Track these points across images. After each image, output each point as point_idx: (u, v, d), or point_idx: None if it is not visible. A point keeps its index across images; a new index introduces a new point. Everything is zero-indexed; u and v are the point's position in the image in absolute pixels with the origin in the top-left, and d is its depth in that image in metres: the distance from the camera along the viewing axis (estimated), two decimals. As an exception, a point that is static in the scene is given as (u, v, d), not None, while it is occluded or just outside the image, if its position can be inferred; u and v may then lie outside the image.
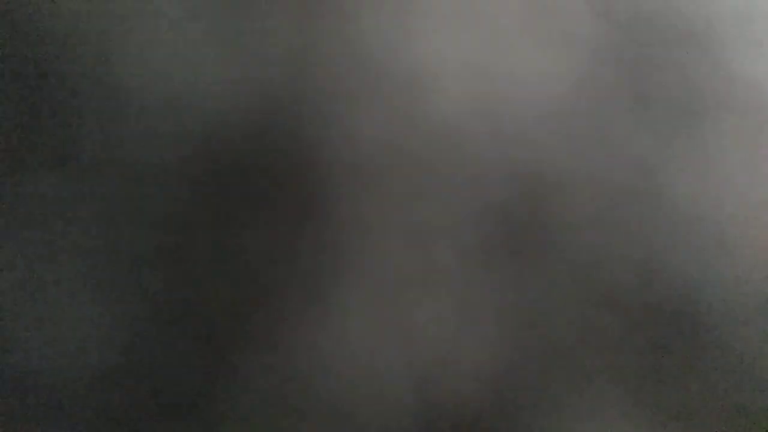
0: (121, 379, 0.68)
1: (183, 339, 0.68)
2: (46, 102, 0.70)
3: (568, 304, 0.71)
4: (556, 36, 0.74)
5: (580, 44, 0.74)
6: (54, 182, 0.69)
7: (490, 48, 0.73)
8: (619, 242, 0.72)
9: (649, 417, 0.70)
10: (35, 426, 0.67)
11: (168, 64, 0.71)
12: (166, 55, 0.71)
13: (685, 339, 0.71)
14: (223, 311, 0.69)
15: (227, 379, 0.68)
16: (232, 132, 0.71)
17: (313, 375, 0.69)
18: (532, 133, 0.72)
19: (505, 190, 0.72)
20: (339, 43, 0.72)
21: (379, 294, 0.70)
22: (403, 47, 0.73)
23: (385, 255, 0.70)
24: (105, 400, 0.68)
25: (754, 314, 0.72)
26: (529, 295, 0.71)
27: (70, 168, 0.69)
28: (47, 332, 0.68)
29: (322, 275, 0.70)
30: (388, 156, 0.71)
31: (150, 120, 0.70)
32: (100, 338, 0.68)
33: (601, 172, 0.72)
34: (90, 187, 0.69)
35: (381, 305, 0.70)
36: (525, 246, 0.71)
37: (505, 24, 0.73)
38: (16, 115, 0.69)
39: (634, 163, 0.73)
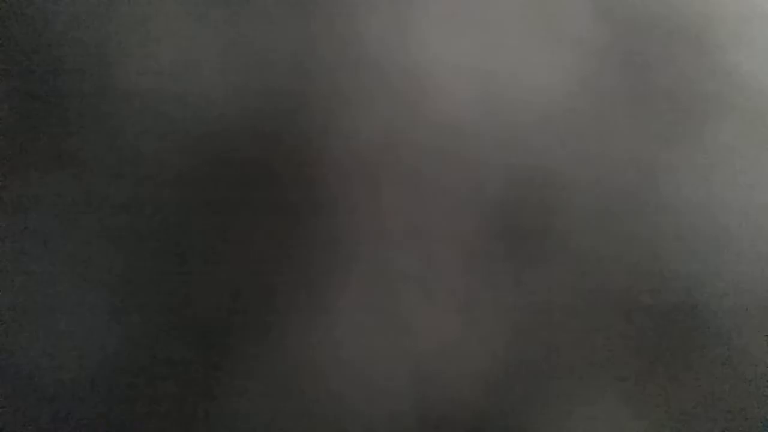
0: (121, 380, 0.68)
1: (182, 339, 0.68)
2: (46, 102, 0.70)
3: (568, 305, 0.71)
4: (556, 36, 0.74)
5: (581, 44, 0.74)
6: (54, 182, 0.69)
7: (491, 48, 0.73)
8: (620, 243, 0.72)
9: (650, 417, 0.70)
10: (35, 426, 0.67)
11: (168, 64, 0.71)
12: (166, 55, 0.71)
13: (685, 339, 0.71)
14: (223, 311, 0.69)
15: (227, 379, 0.68)
16: (232, 132, 0.70)
17: (313, 375, 0.69)
18: (532, 133, 0.72)
19: (506, 190, 0.71)
20: (339, 44, 0.72)
21: (379, 294, 0.70)
22: (403, 47, 0.73)
23: (384, 255, 0.70)
24: (105, 400, 0.67)
25: (754, 314, 0.72)
26: (529, 296, 0.71)
27: (70, 168, 0.69)
28: (47, 332, 0.68)
29: (321, 275, 0.70)
30: (389, 156, 0.71)
31: (150, 120, 0.70)
32: (99, 338, 0.68)
33: (601, 173, 0.72)
34: (90, 188, 0.69)
35: (381, 305, 0.70)
36: (525, 246, 0.71)
37: (506, 24, 0.73)
38: (16, 115, 0.69)
39: (635, 163, 0.73)
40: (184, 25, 0.71)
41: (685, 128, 0.73)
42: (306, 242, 0.70)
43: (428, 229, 0.71)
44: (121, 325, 0.68)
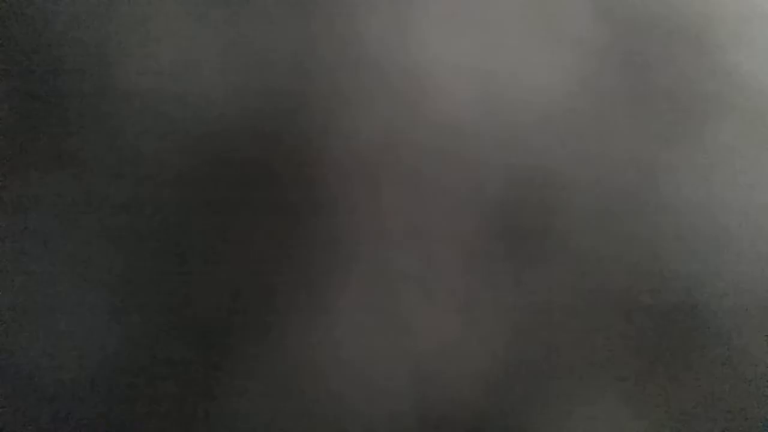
0: (121, 380, 0.68)
1: (183, 340, 0.68)
2: (46, 102, 0.70)
3: (568, 305, 0.71)
4: (556, 36, 0.74)
5: (581, 44, 0.74)
6: (54, 182, 0.69)
7: (491, 48, 0.73)
8: (620, 243, 0.72)
9: (650, 417, 0.70)
10: (35, 426, 0.67)
11: (168, 65, 0.71)
12: (166, 55, 0.71)
13: (685, 339, 0.71)
14: (223, 311, 0.69)
15: (227, 379, 0.68)
16: (232, 132, 0.70)
17: (313, 375, 0.69)
18: (532, 133, 0.72)
19: (506, 190, 0.71)
20: (339, 44, 0.72)
21: (379, 294, 0.70)
22: (403, 48, 0.73)
23: (384, 255, 0.70)
24: (105, 400, 0.67)
25: (754, 314, 0.72)
26: (529, 296, 0.71)
27: (70, 168, 0.69)
28: (47, 332, 0.68)
29: (321, 275, 0.70)
30: (389, 156, 0.71)
31: (150, 120, 0.70)
32: (99, 338, 0.68)
33: (601, 173, 0.72)
34: (90, 188, 0.69)
35: (381, 305, 0.70)
36: (525, 246, 0.71)
37: (506, 24, 0.73)
38: (16, 115, 0.69)
39: (635, 163, 0.73)
40: (184, 26, 0.71)
41: (685, 128, 0.73)
42: (306, 242, 0.70)
43: (428, 229, 0.71)
44: (121, 325, 0.68)
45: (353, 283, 0.70)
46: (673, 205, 0.72)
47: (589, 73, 0.73)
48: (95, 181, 0.69)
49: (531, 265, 0.71)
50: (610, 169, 0.72)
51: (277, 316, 0.69)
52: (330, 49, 0.72)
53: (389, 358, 0.69)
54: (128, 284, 0.68)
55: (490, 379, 0.70)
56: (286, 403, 0.68)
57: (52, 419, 0.67)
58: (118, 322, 0.68)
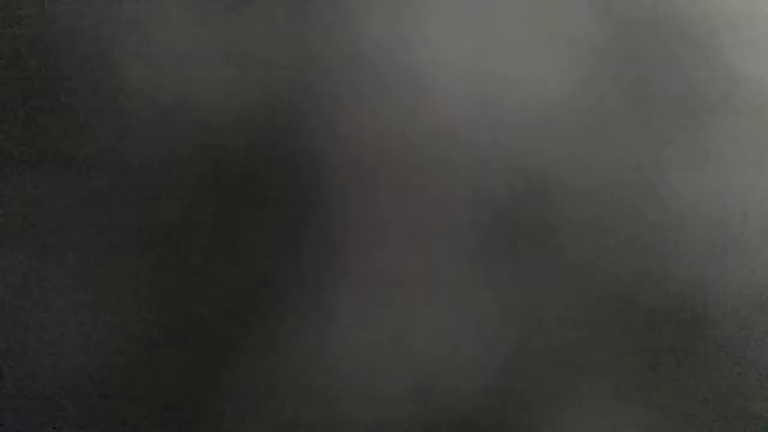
0: (121, 380, 0.68)
1: (182, 339, 0.68)
2: (46, 102, 0.70)
3: (567, 304, 0.71)
4: (556, 36, 0.74)
5: (581, 44, 0.74)
6: (54, 182, 0.69)
7: (490, 48, 0.73)
8: (619, 242, 0.72)
9: (649, 417, 0.70)
10: (35, 426, 0.67)
11: (168, 65, 0.71)
12: (166, 55, 0.71)
13: (685, 339, 0.71)
14: (222, 311, 0.69)
15: (227, 379, 0.68)
16: (232, 132, 0.70)
17: (312, 375, 0.69)
18: (530, 134, 0.72)
19: (505, 190, 0.71)
20: (337, 45, 0.72)
21: (379, 293, 0.70)
22: (403, 47, 0.73)
23: (384, 254, 0.70)
24: (105, 400, 0.67)
25: (754, 314, 0.72)
26: (528, 295, 0.71)
27: (71, 168, 0.69)
28: (47, 332, 0.68)
29: (320, 274, 0.70)
30: (388, 155, 0.71)
31: (150, 120, 0.70)
32: (99, 338, 0.68)
33: (601, 172, 0.72)
34: (90, 188, 0.69)
35: (380, 304, 0.70)
36: (525, 246, 0.71)
37: (505, 24, 0.73)
38: (17, 115, 0.69)
39: (634, 163, 0.73)
40: (183, 27, 0.71)
41: (685, 128, 0.73)
42: (305, 243, 0.70)
43: (427, 229, 0.71)
44: (121, 324, 0.68)
45: (352, 284, 0.70)
46: (673, 206, 0.72)
47: (589, 73, 0.73)
48: (95, 181, 0.69)
49: (530, 266, 0.71)
50: (610, 169, 0.72)
51: (276, 317, 0.69)
52: (328, 51, 0.72)
53: (389, 359, 0.69)
54: (128, 284, 0.68)
55: (489, 380, 0.70)
56: (286, 404, 0.68)
57: (52, 419, 0.67)
58: (118, 321, 0.68)
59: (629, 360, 0.70)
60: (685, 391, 0.70)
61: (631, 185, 0.72)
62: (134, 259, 0.69)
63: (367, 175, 0.71)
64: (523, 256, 0.71)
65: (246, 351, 0.69)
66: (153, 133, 0.70)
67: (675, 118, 0.73)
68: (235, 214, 0.70)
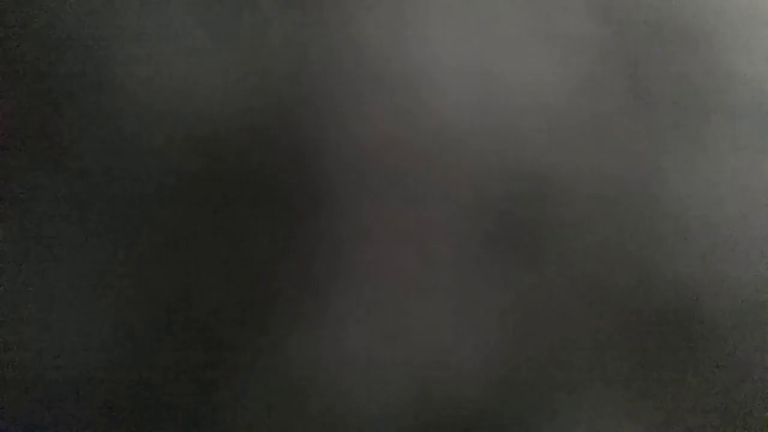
0: (121, 379, 0.68)
1: (182, 340, 0.68)
2: (45, 102, 0.70)
3: (567, 305, 0.71)
4: (556, 36, 0.74)
5: (580, 44, 0.74)
6: (53, 182, 0.69)
7: (490, 48, 0.73)
8: (619, 242, 0.72)
9: (649, 417, 0.70)
10: (35, 426, 0.67)
11: (168, 64, 0.71)
12: (166, 55, 0.71)
13: (684, 339, 0.71)
14: (222, 311, 0.69)
15: (227, 379, 0.68)
16: (232, 131, 0.71)
17: (312, 375, 0.69)
18: (531, 132, 0.72)
19: (505, 190, 0.72)
20: (337, 45, 0.72)
21: (379, 293, 0.70)
22: (402, 47, 0.73)
23: (384, 254, 0.70)
24: (105, 400, 0.68)
25: (754, 314, 0.72)
26: (528, 296, 0.71)
27: (70, 168, 0.69)
28: (47, 332, 0.68)
29: (320, 275, 0.70)
30: (388, 155, 0.71)
31: (149, 121, 0.70)
32: (99, 338, 0.68)
33: (600, 172, 0.72)
34: (90, 188, 0.69)
35: (380, 305, 0.70)
36: (525, 246, 0.71)
37: (505, 24, 0.73)
38: (16, 115, 0.69)
39: (634, 163, 0.73)
40: (183, 27, 0.71)
41: (685, 128, 0.73)
42: (304, 243, 0.70)
43: (426, 230, 0.71)
44: (122, 324, 0.68)
45: (352, 283, 0.70)
46: (673, 206, 0.72)
47: (589, 74, 0.73)
48: (95, 181, 0.69)
49: (530, 266, 0.71)
50: (609, 170, 0.72)
51: (275, 317, 0.69)
52: (328, 51, 0.72)
53: (389, 359, 0.69)
54: (128, 284, 0.68)
55: (488, 380, 0.70)
56: (286, 403, 0.68)
57: (52, 419, 0.67)
58: (118, 321, 0.68)
59: (629, 360, 0.71)
60: (685, 391, 0.70)
61: (631, 185, 0.72)
62: (134, 259, 0.69)
63: (366, 176, 0.71)
64: (522, 257, 0.71)
65: (247, 351, 0.69)
66: (152, 133, 0.70)
67: (675, 118, 0.73)
68: (235, 215, 0.70)
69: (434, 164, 0.71)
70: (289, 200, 0.70)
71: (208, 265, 0.69)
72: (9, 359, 0.67)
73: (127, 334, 0.68)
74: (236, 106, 0.71)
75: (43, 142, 0.69)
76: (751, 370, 0.71)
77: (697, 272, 0.72)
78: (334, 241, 0.70)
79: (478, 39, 0.73)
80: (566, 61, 0.73)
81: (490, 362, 0.70)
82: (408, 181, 0.71)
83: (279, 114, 0.71)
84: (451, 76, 0.72)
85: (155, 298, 0.69)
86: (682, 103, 0.73)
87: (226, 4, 0.72)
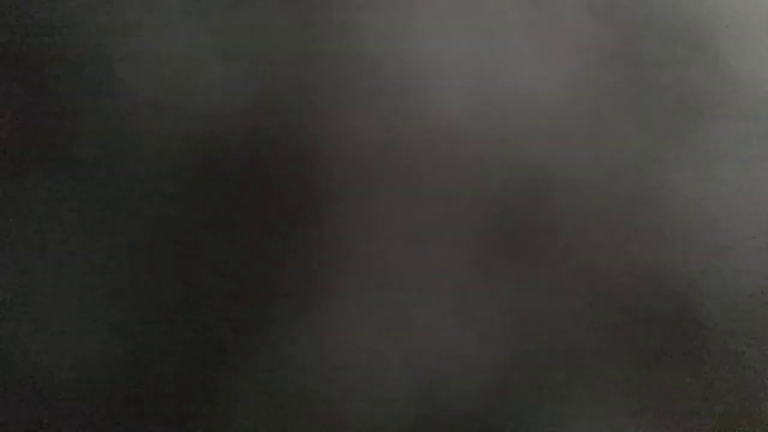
0: (121, 379, 0.68)
1: (182, 339, 0.68)
2: (45, 102, 0.70)
3: (567, 305, 0.71)
4: (555, 37, 0.74)
5: (580, 44, 0.74)
6: (53, 182, 0.69)
7: (490, 47, 0.73)
8: (619, 242, 0.72)
9: (649, 417, 0.70)
10: (35, 426, 0.67)
11: (167, 64, 0.71)
12: (165, 55, 0.71)
13: (684, 339, 0.71)
14: (221, 311, 0.69)
15: (227, 379, 0.68)
16: (231, 131, 0.70)
17: (312, 375, 0.69)
18: (531, 132, 0.72)
19: (505, 188, 0.72)
20: (337, 44, 0.72)
21: (378, 293, 0.70)
22: (402, 46, 0.73)
23: (384, 254, 0.70)
24: (105, 400, 0.67)
25: (754, 314, 0.72)
26: (528, 294, 0.71)
27: (70, 168, 0.69)
28: (46, 332, 0.68)
29: (320, 275, 0.70)
30: (388, 155, 0.71)
31: (149, 120, 0.70)
32: (99, 338, 0.68)
33: (600, 173, 0.72)
34: (89, 188, 0.69)
35: (380, 305, 0.70)
36: (525, 246, 0.71)
37: (505, 23, 0.73)
38: (16, 115, 0.69)
39: (634, 163, 0.73)
40: (183, 24, 0.71)
41: (685, 128, 0.73)
42: (304, 242, 0.70)
43: (426, 229, 0.71)
44: (121, 324, 0.68)
45: (352, 282, 0.70)
46: (673, 206, 0.72)
47: (589, 73, 0.73)
48: (95, 181, 0.69)
49: (530, 266, 0.71)
50: (610, 169, 0.72)
51: (276, 317, 0.69)
52: (328, 50, 0.72)
53: (389, 359, 0.69)
54: (128, 284, 0.68)
55: (489, 380, 0.70)
56: (286, 403, 0.68)
57: (52, 419, 0.67)
58: (117, 321, 0.68)
59: (629, 360, 0.71)
60: (685, 391, 0.70)
61: (631, 185, 0.72)
62: (133, 259, 0.69)
63: (367, 174, 0.71)
64: (522, 256, 0.71)
65: (246, 351, 0.69)
66: (152, 133, 0.70)
67: (675, 118, 0.73)
68: (235, 214, 0.70)
69: (434, 162, 0.71)
70: (288, 197, 0.70)
71: (208, 265, 0.69)
72: (9, 359, 0.67)
73: (126, 333, 0.68)
74: (236, 105, 0.71)
75: (43, 142, 0.69)
76: (751, 370, 0.71)
77: (698, 272, 0.72)
78: (333, 240, 0.70)
79: (477, 37, 0.73)
80: (567, 61, 0.73)
81: (491, 361, 0.70)
82: (408, 179, 0.71)
83: (279, 113, 0.71)
84: (451, 73, 0.72)
85: (155, 297, 0.68)
86: (682, 103, 0.73)
87: (227, 4, 0.72)
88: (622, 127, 0.73)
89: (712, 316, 0.71)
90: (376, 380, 0.69)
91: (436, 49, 0.73)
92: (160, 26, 0.71)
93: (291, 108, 0.71)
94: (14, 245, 0.68)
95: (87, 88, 0.70)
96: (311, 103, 0.71)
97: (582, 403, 0.70)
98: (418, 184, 0.71)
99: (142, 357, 0.68)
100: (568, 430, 0.70)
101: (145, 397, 0.68)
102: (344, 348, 0.69)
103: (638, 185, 0.72)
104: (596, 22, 0.74)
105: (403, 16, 0.73)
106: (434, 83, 0.72)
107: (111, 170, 0.69)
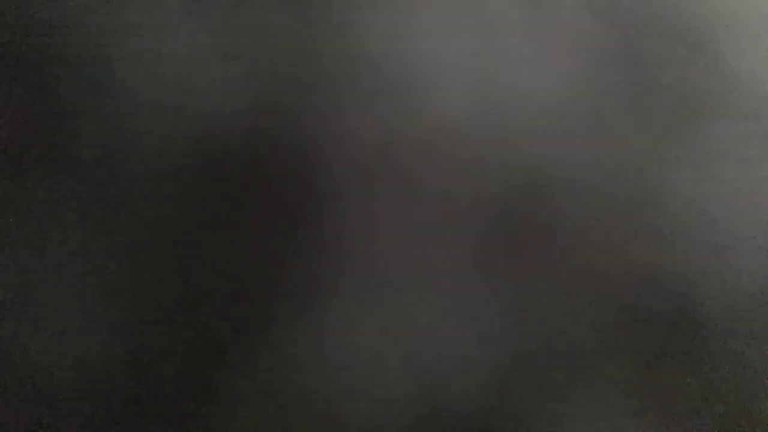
0: (121, 379, 0.68)
1: (182, 339, 0.68)
2: (45, 102, 0.70)
3: (567, 305, 0.71)
4: (555, 37, 0.74)
5: (580, 44, 0.74)
6: (53, 182, 0.69)
7: (490, 47, 0.73)
8: (619, 243, 0.72)
9: (649, 417, 0.70)
10: (35, 426, 0.67)
11: (167, 64, 0.71)
12: (165, 55, 0.71)
13: (684, 339, 0.71)
14: (221, 311, 0.69)
15: (227, 379, 0.68)
16: (231, 131, 0.70)
17: (312, 374, 0.69)
18: (531, 132, 0.72)
19: (505, 188, 0.71)
20: (337, 44, 0.72)
21: (378, 293, 0.70)
22: (402, 46, 0.73)
23: (384, 254, 0.70)
24: (105, 400, 0.67)
25: (754, 314, 0.72)
26: (528, 294, 0.71)
27: (70, 168, 0.69)
28: (46, 332, 0.68)
29: (320, 275, 0.70)
30: (388, 155, 0.71)
31: (149, 120, 0.70)
32: (99, 338, 0.68)
33: (600, 173, 0.72)
34: (89, 188, 0.69)
35: (380, 305, 0.70)
36: (525, 246, 0.71)
37: (505, 23, 0.73)
38: (16, 115, 0.69)
39: (634, 163, 0.73)
40: (183, 24, 0.71)
41: (685, 128, 0.73)
42: (304, 242, 0.70)
43: (426, 229, 0.71)
44: (121, 324, 0.68)
45: (352, 282, 0.70)
46: (673, 206, 0.72)
47: (589, 73, 0.73)
48: (95, 181, 0.69)
49: (530, 266, 0.71)
50: (610, 169, 0.72)
51: (276, 317, 0.69)
52: (328, 50, 0.72)
53: (389, 359, 0.69)
54: (128, 283, 0.68)
55: (489, 380, 0.70)
56: (286, 403, 0.68)
57: (52, 419, 0.67)
58: (117, 321, 0.68)
59: (629, 360, 0.70)
60: (685, 391, 0.70)
61: (631, 185, 0.72)
62: (133, 259, 0.69)
63: (367, 174, 0.71)
64: (522, 256, 0.71)
65: (246, 351, 0.69)
66: (152, 133, 0.70)
67: (675, 118, 0.73)
68: (234, 214, 0.70)
69: (434, 162, 0.71)
70: (288, 197, 0.70)
71: (208, 265, 0.69)
72: (9, 359, 0.67)
73: (126, 333, 0.68)
74: (236, 105, 0.71)
75: (43, 142, 0.69)
76: (751, 370, 0.71)
77: (698, 273, 0.72)
78: (333, 240, 0.70)
79: (477, 37, 0.73)
80: (567, 61, 0.73)
81: (491, 361, 0.70)
82: (408, 179, 0.71)
83: (279, 113, 0.71)
84: (451, 75, 0.72)
85: (155, 297, 0.68)
86: (682, 103, 0.73)
87: (227, 4, 0.72)
88: (622, 127, 0.73)
89: (712, 316, 0.71)
90: (376, 380, 0.69)
91: (436, 49, 0.73)
92: (160, 26, 0.71)
93: (291, 108, 0.71)
94: (14, 245, 0.68)
95: (87, 88, 0.70)
96: (311, 103, 0.71)
97: (582, 403, 0.70)
98: (418, 184, 0.71)
99: (142, 357, 0.68)
100: (568, 430, 0.70)
101: (145, 397, 0.68)
102: (344, 348, 0.69)
103: (638, 185, 0.72)
104: (596, 22, 0.74)
105: (403, 16, 0.73)
106: (434, 83, 0.72)
107: (111, 170, 0.69)
